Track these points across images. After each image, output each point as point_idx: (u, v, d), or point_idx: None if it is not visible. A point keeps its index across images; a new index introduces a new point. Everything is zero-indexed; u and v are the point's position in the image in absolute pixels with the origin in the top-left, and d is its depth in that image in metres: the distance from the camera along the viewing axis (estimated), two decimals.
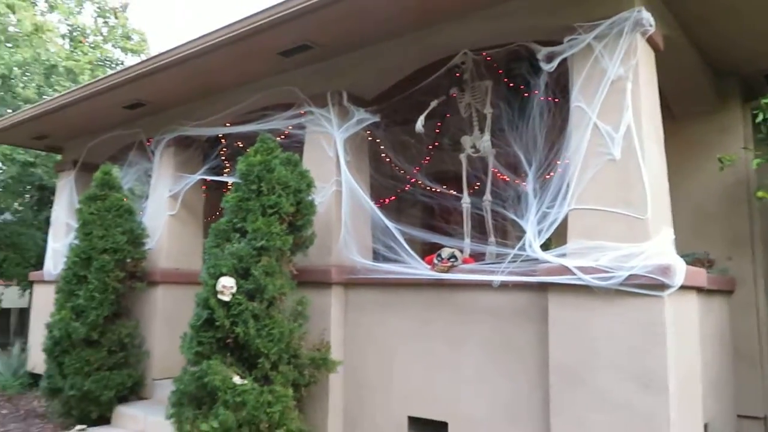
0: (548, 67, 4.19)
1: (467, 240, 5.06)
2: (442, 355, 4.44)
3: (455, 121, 5.65)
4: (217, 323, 4.37)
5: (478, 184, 5.23)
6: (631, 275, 3.47)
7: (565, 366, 3.73)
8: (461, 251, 4.77)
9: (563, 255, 3.85)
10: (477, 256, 4.89)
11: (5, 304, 12.73)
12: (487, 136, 5.01)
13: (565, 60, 4.13)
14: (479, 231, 5.06)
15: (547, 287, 3.86)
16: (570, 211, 3.92)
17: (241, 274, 4.47)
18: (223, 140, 6.92)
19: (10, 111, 10.40)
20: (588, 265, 3.63)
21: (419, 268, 4.58)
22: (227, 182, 6.00)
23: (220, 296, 4.37)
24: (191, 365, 4.47)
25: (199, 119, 6.45)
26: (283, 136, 5.62)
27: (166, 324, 6.34)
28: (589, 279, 3.59)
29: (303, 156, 5.36)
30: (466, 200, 5.19)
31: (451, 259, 4.43)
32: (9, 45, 11.34)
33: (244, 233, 4.58)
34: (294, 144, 5.54)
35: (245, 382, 4.24)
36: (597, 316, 3.64)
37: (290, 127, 5.63)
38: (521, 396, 4.02)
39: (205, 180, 6.93)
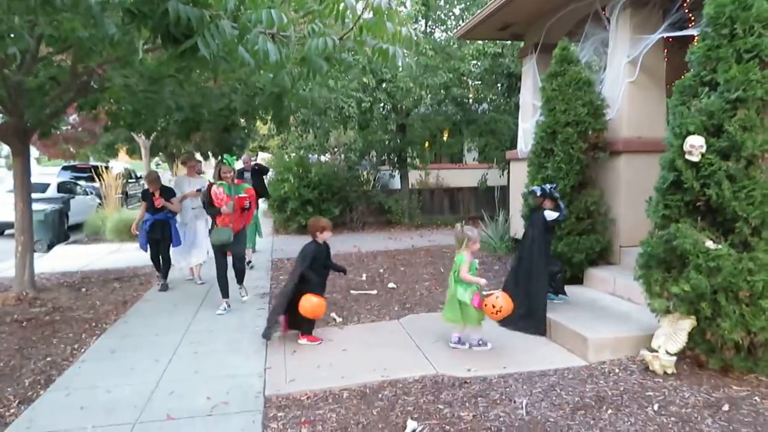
0: None
1: None
2: None
3: None
4: (685, 185, 4.13)
5: None
6: None
7: None
8: None
9: None
10: None
11: (489, 183, 14.92)
12: None
13: None
14: None
15: None
16: None
17: (712, 132, 4.06)
18: None
19: (477, 10, 11.63)
20: None
21: None
22: (692, 37, 5.39)
23: (687, 157, 4.09)
24: (658, 229, 4.39)
25: None
26: None
27: (629, 193, 6.33)
28: None
29: None
30: None
31: None
32: None
33: (715, 86, 4.09)
34: None
35: (719, 247, 3.94)
36: None
37: None
38: None
39: (666, 39, 6.39)
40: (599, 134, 6.50)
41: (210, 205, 6.27)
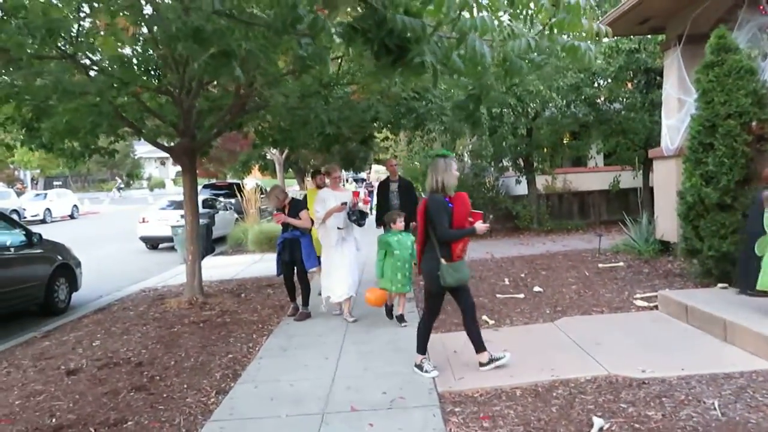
0: None
1: None
2: None
3: None
4: None
5: None
6: None
7: None
8: None
9: None
10: None
11: (622, 186, 14.30)
12: None
13: None
14: None
15: None
16: None
17: None
18: None
19: (609, 7, 11.28)
20: None
21: None
22: None
23: None
24: None
25: None
26: None
27: None
28: None
29: None
30: None
31: None
32: None
33: None
34: None
35: None
36: None
37: None
38: None
39: None
40: (765, 125, 6.08)
41: (450, 226, 4.34)
